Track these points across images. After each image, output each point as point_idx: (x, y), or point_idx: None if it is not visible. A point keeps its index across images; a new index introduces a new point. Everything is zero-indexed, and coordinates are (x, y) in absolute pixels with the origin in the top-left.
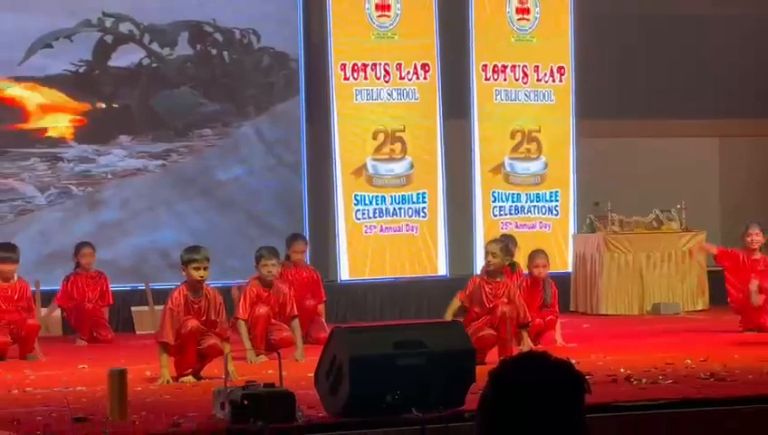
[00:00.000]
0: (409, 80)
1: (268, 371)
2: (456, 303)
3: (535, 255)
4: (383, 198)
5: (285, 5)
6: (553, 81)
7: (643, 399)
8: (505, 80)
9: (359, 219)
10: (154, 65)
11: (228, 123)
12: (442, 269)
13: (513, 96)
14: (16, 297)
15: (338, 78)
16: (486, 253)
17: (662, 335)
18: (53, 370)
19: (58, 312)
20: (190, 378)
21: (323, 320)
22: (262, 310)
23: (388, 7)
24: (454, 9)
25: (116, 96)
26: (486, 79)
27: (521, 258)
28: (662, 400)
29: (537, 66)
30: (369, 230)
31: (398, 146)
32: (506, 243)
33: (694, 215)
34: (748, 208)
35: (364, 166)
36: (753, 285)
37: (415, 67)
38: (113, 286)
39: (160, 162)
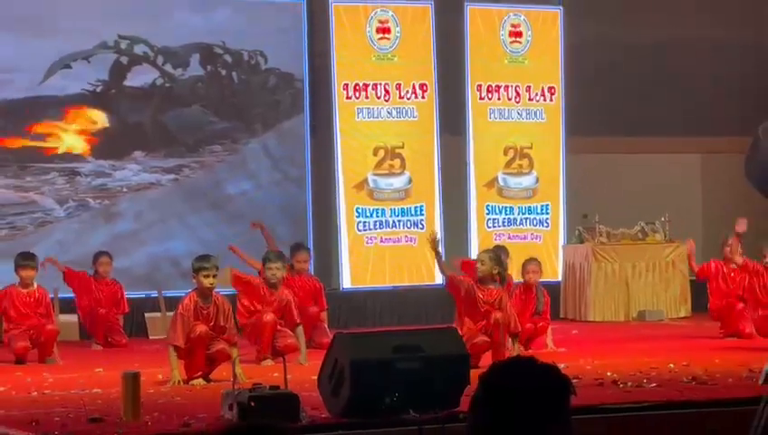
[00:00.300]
0: (408, 99)
1: (274, 374)
2: (450, 267)
3: (528, 262)
4: (383, 211)
5: (291, 29)
6: (544, 100)
7: (629, 401)
8: (499, 99)
9: (360, 231)
10: (167, 85)
11: (237, 140)
12: (439, 278)
13: (507, 114)
14: (35, 304)
15: (340, 97)
16: (478, 260)
17: (647, 341)
18: (70, 373)
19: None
20: (200, 381)
21: (326, 326)
22: (268, 317)
23: (388, 30)
24: (450, 32)
25: (130, 114)
26: (481, 98)
27: (513, 268)
28: (647, 402)
29: (529, 86)
30: (369, 241)
31: (397, 162)
32: (498, 253)
33: (677, 227)
34: (729, 221)
35: (365, 180)
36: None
37: (413, 87)
38: (128, 293)
39: (172, 177)
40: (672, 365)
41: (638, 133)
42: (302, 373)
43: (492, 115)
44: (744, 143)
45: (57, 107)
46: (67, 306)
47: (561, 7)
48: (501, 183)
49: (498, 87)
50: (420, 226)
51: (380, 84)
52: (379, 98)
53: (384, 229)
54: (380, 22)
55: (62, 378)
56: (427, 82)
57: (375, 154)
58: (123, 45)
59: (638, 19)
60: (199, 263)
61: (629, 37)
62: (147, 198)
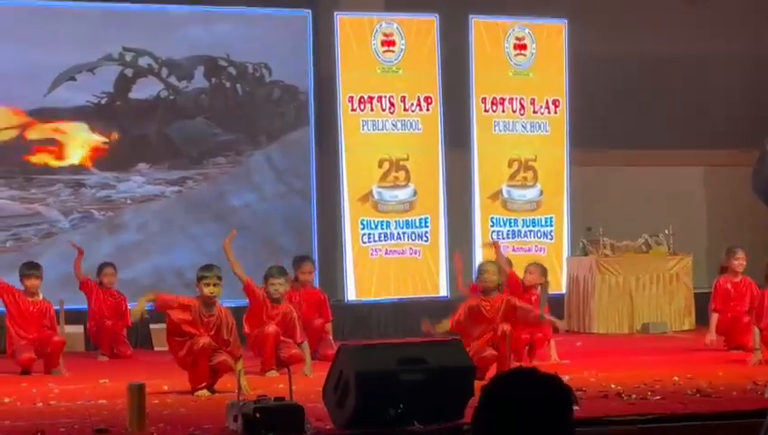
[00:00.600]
0: (413, 111)
1: (279, 385)
2: (444, 326)
3: (529, 265)
4: (388, 223)
5: (295, 42)
6: (549, 113)
7: (633, 413)
8: (503, 111)
9: (365, 243)
10: (171, 97)
11: (241, 152)
12: (443, 290)
13: (511, 127)
14: (40, 314)
15: (346, 109)
16: (482, 271)
17: (651, 353)
18: (76, 384)
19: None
20: (204, 392)
21: (331, 338)
22: (271, 328)
23: (393, 43)
24: (455, 45)
25: (135, 126)
26: (486, 111)
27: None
28: (651, 414)
29: (533, 99)
30: (374, 253)
31: (402, 174)
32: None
33: (681, 239)
34: (732, 233)
35: (370, 192)
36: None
37: (418, 99)
38: (132, 305)
39: (177, 189)
40: (676, 378)
41: (642, 146)
42: (306, 385)
43: (496, 128)
44: (746, 156)
45: (62, 119)
46: (73, 317)
47: (566, 20)
48: (505, 195)
49: (503, 100)
50: (425, 238)
51: (385, 97)
52: (383, 110)
53: (389, 241)
54: (385, 35)
55: (67, 389)
56: (431, 95)
57: (380, 166)
58: (128, 57)
59: (642, 32)
60: (201, 272)
61: (633, 50)
62: (151, 209)
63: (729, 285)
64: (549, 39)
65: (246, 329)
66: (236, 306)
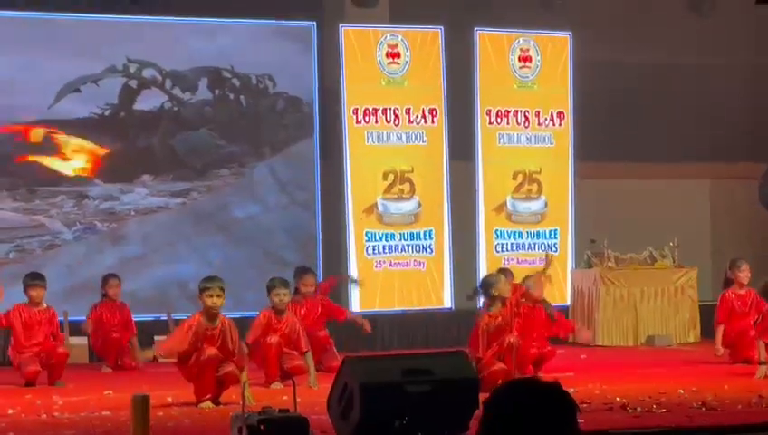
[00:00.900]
0: (418, 123)
1: (283, 397)
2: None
3: (528, 278)
4: (392, 235)
5: (300, 53)
6: (553, 125)
7: (638, 426)
8: (508, 124)
9: (369, 255)
10: (175, 109)
11: (244, 164)
12: (447, 302)
13: (516, 139)
14: (46, 323)
15: (350, 121)
16: (495, 282)
17: (656, 366)
18: (80, 396)
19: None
20: (209, 404)
21: (335, 349)
22: (273, 339)
23: (397, 55)
24: (460, 57)
25: (139, 138)
26: (490, 123)
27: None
28: (656, 427)
29: (538, 111)
30: (379, 265)
31: (406, 186)
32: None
33: (686, 252)
34: (737, 246)
35: (375, 204)
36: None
37: (423, 112)
38: (135, 316)
39: (180, 200)
40: (681, 391)
41: (647, 159)
42: (311, 396)
43: (501, 140)
44: (752, 169)
45: (66, 130)
46: (77, 329)
47: (571, 32)
48: (510, 208)
49: (507, 112)
50: (429, 250)
51: (390, 109)
52: (388, 122)
53: (393, 253)
54: (390, 46)
55: (71, 401)
56: (436, 107)
57: (384, 178)
58: (132, 69)
59: (646, 45)
60: (204, 283)
61: (638, 63)
62: (154, 221)
63: (734, 298)
64: (553, 51)
65: (249, 339)
66: (240, 317)
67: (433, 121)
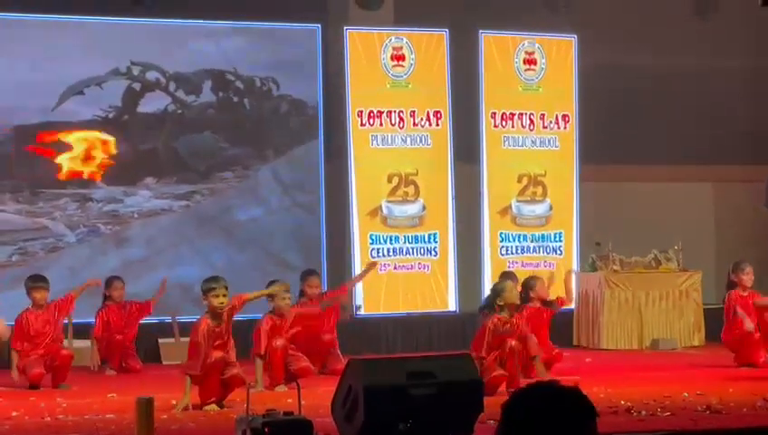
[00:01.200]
0: (422, 126)
1: (287, 400)
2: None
3: (532, 279)
4: (397, 238)
5: (304, 56)
6: (558, 128)
7: (642, 430)
8: (513, 127)
9: (374, 257)
10: (179, 111)
11: (248, 166)
12: (452, 305)
13: (521, 142)
14: (49, 323)
15: (355, 124)
16: (509, 289)
17: (660, 369)
18: (84, 398)
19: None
20: (213, 406)
21: (339, 352)
22: (279, 342)
23: (402, 57)
24: (465, 60)
25: (143, 140)
26: (495, 126)
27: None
28: (661, 431)
29: (543, 114)
30: (383, 268)
31: (411, 189)
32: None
33: (690, 255)
34: (742, 249)
35: (379, 207)
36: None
37: (428, 114)
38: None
39: (184, 203)
40: (686, 394)
41: (652, 162)
42: (315, 399)
43: (506, 143)
44: (756, 171)
45: (70, 133)
46: (81, 332)
47: (576, 35)
48: (514, 211)
49: (512, 115)
50: (434, 253)
51: (395, 111)
52: (393, 125)
53: (398, 256)
54: (395, 49)
55: (75, 403)
56: (441, 110)
57: (389, 181)
58: (136, 72)
59: (651, 47)
60: (208, 284)
61: (643, 65)
62: (158, 223)
63: (740, 300)
64: (558, 54)
65: (260, 350)
66: (244, 319)
67: (438, 124)
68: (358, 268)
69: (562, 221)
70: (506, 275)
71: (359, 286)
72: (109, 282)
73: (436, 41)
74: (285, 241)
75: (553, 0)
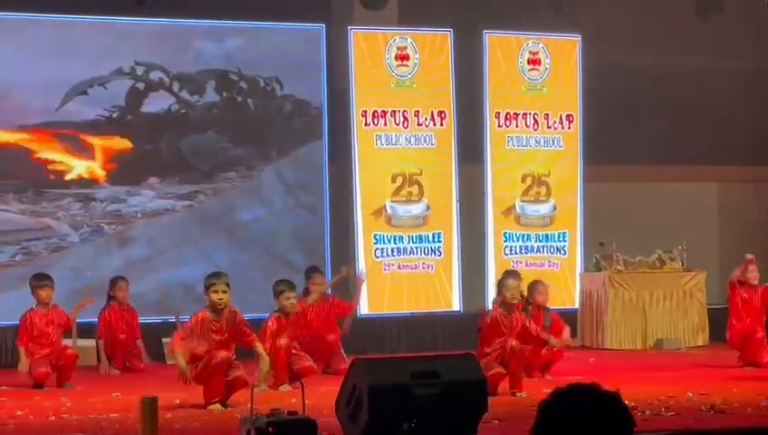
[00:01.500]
0: (426, 126)
1: (291, 399)
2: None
3: (536, 283)
4: (401, 238)
5: (308, 56)
6: (562, 128)
7: (646, 430)
8: (517, 127)
9: (378, 257)
10: (182, 111)
11: (251, 166)
12: (456, 305)
13: (525, 142)
14: (55, 322)
15: (359, 124)
16: (508, 287)
17: (664, 369)
18: (88, 397)
19: (96, 343)
20: (218, 406)
21: (343, 352)
22: (283, 341)
23: (406, 57)
24: (469, 60)
25: (146, 140)
26: (499, 126)
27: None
28: (665, 431)
29: (547, 114)
30: (387, 268)
31: (415, 188)
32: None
33: (694, 255)
34: (745, 249)
35: (383, 207)
36: None
37: (432, 114)
38: (141, 319)
39: (187, 203)
40: (690, 394)
41: (655, 162)
42: (319, 399)
43: (510, 143)
44: (760, 172)
45: (73, 132)
46: (85, 331)
47: (580, 35)
48: (518, 211)
49: (516, 115)
50: (438, 253)
51: (399, 111)
52: (397, 125)
53: (402, 256)
54: (399, 49)
55: (79, 402)
56: (445, 110)
57: (393, 181)
58: (139, 72)
59: (655, 47)
60: (209, 279)
61: (647, 65)
62: (161, 223)
63: (744, 295)
64: (563, 54)
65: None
66: (249, 318)
67: (442, 124)
68: (362, 267)
69: (566, 221)
70: (509, 274)
71: (363, 285)
72: (113, 282)
73: (441, 41)
74: (289, 241)
75: (557, 0)
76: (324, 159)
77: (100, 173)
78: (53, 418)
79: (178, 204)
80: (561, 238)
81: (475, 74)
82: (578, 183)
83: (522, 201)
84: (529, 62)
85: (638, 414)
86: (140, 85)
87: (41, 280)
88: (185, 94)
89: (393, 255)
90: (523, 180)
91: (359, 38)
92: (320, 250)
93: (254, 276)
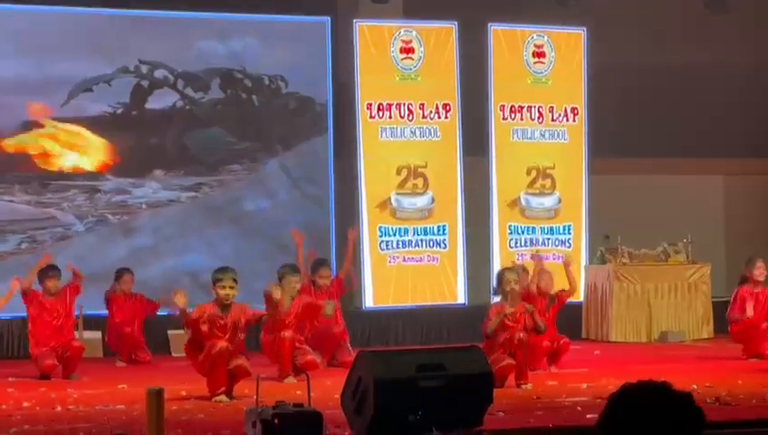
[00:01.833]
0: (431, 119)
1: (297, 392)
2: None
3: (542, 272)
4: (406, 230)
5: (313, 51)
6: (567, 121)
7: None
8: (522, 119)
9: (383, 250)
10: (187, 107)
11: (256, 160)
12: (461, 297)
13: (530, 135)
14: (63, 310)
15: (364, 117)
16: (506, 281)
17: (669, 362)
18: (94, 389)
19: (99, 333)
20: (223, 398)
21: (349, 344)
22: (287, 333)
23: (411, 50)
24: (474, 53)
25: (151, 135)
26: (504, 119)
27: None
28: None
29: (552, 107)
30: (392, 260)
31: (420, 181)
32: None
33: (699, 248)
34: (751, 242)
35: (388, 199)
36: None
37: (437, 107)
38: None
39: (192, 194)
40: (695, 386)
41: (660, 154)
42: (325, 391)
43: (515, 135)
44: (765, 164)
45: (78, 127)
46: (91, 323)
47: (585, 28)
48: (523, 203)
49: (521, 107)
50: (443, 245)
51: (404, 104)
52: (402, 118)
53: (407, 249)
54: (404, 42)
55: (86, 394)
56: (450, 102)
57: (398, 173)
58: (144, 70)
59: (661, 41)
60: (216, 274)
61: (652, 59)
62: (166, 214)
63: (748, 295)
64: (568, 47)
65: (263, 336)
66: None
67: (446, 117)
68: (367, 260)
69: (571, 214)
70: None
71: (368, 278)
72: (119, 274)
73: (446, 34)
74: None
75: None
76: (329, 151)
77: (105, 167)
78: (60, 409)
79: (183, 195)
80: (565, 231)
81: (479, 67)
82: (582, 176)
83: (527, 194)
84: (534, 55)
85: None
86: (145, 83)
87: (47, 270)
88: (189, 91)
89: (398, 247)
90: (528, 173)
91: (364, 31)
92: (325, 242)
93: (259, 266)
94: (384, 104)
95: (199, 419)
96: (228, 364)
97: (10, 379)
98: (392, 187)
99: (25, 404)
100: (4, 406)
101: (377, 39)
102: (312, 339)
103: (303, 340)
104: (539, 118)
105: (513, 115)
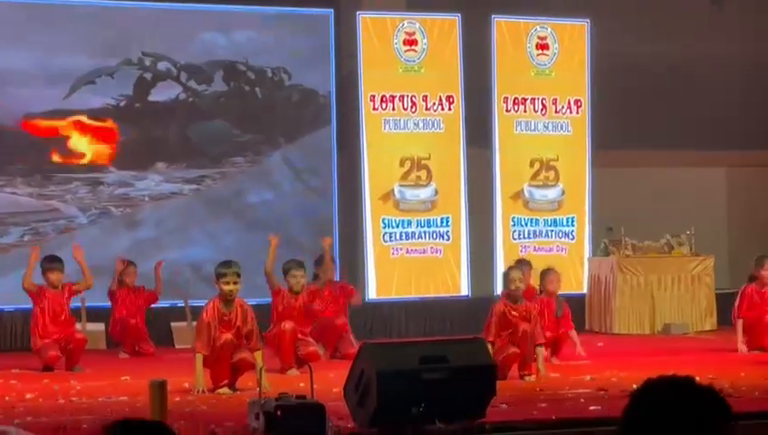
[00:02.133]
0: (435, 111)
1: (300, 384)
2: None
3: (548, 272)
4: (409, 222)
5: (316, 43)
6: (570, 113)
7: None
8: (525, 111)
9: (386, 242)
10: (190, 100)
11: (259, 152)
12: (464, 289)
13: (533, 127)
14: (66, 305)
15: (367, 108)
16: (511, 280)
17: (672, 354)
18: (97, 381)
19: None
20: (226, 390)
21: (352, 337)
22: (288, 325)
23: (415, 42)
24: (477, 44)
25: (154, 127)
26: (507, 111)
27: (535, 281)
28: None
29: (555, 99)
30: (395, 252)
31: (423, 173)
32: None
33: (702, 240)
34: (753, 234)
35: (391, 191)
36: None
37: (440, 99)
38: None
39: (194, 186)
40: (698, 378)
41: (664, 146)
42: (328, 383)
43: (518, 127)
44: (765, 157)
45: (81, 119)
46: (94, 315)
47: (588, 20)
48: (527, 195)
49: (524, 99)
50: (446, 237)
51: (407, 96)
52: (405, 109)
53: (410, 240)
54: (407, 34)
55: (89, 386)
56: (453, 94)
57: (401, 165)
58: (147, 62)
59: (664, 33)
60: (220, 269)
61: (656, 51)
62: (168, 206)
63: (755, 293)
64: (571, 39)
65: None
66: (257, 304)
67: (450, 108)
68: (370, 252)
69: (575, 206)
70: (511, 267)
71: (371, 270)
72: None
73: (449, 25)
74: (297, 225)
75: None
76: (333, 143)
77: (107, 159)
78: (63, 401)
79: (186, 187)
80: (569, 223)
81: (483, 59)
82: (586, 168)
83: (530, 186)
84: (537, 47)
85: None
86: (148, 75)
87: (51, 262)
88: (192, 84)
89: (401, 239)
90: (532, 165)
91: (367, 23)
92: (329, 234)
93: (263, 259)
94: (387, 96)
95: (202, 410)
96: (232, 357)
97: (13, 370)
98: (395, 178)
99: (28, 396)
100: (7, 398)
101: (380, 31)
102: (315, 331)
103: (307, 332)
104: (542, 110)
105: (516, 107)
